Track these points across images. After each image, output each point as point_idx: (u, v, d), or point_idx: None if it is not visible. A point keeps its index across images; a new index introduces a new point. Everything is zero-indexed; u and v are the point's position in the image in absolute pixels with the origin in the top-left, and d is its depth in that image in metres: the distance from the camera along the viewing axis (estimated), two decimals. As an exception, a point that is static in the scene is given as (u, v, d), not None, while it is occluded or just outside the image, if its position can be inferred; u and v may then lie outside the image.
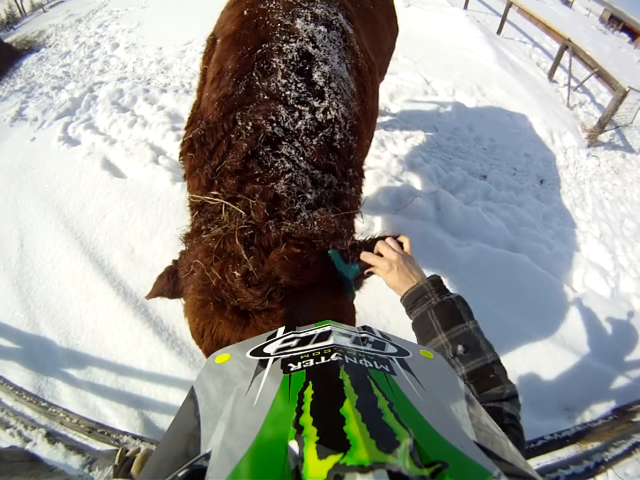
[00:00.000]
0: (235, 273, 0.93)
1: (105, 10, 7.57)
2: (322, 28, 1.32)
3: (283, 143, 1.13)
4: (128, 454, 1.00)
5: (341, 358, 0.46)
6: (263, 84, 1.16)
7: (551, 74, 6.98)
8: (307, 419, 0.35)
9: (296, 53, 1.21)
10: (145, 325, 2.19)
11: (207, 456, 0.37)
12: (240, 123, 1.13)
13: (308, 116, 1.17)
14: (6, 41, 7.31)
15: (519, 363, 2.27)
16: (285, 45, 1.21)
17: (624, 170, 5.15)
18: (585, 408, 2.22)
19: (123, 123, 3.58)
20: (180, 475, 0.37)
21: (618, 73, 5.80)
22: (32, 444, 1.25)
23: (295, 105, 1.17)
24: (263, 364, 0.50)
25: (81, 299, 2.38)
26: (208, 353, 0.96)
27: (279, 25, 1.25)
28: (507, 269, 2.69)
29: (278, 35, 1.23)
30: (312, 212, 1.08)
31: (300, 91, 1.19)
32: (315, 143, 1.17)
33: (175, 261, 1.14)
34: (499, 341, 2.39)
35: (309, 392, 0.40)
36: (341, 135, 1.23)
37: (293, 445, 0.32)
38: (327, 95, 1.22)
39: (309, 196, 1.11)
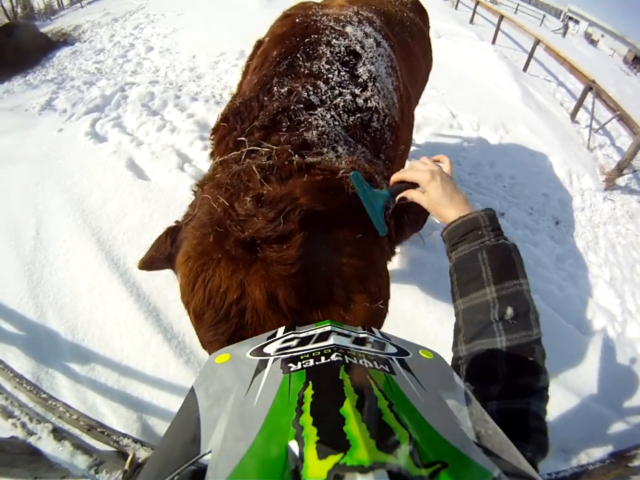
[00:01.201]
0: (247, 198, 0.81)
1: (142, 12, 7.78)
2: (371, 41, 1.35)
3: (319, 109, 1.08)
4: (140, 460, 0.97)
5: (341, 358, 0.46)
6: (306, 64, 1.15)
7: (573, 114, 7.02)
8: (306, 419, 0.35)
9: (344, 49, 1.22)
10: (155, 330, 2.18)
11: (207, 456, 0.37)
12: (275, 89, 1.10)
13: (348, 97, 1.14)
14: (42, 30, 7.49)
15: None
16: (334, 40, 1.23)
17: (638, 215, 5.13)
18: (582, 450, 2.20)
19: (151, 126, 3.64)
20: (180, 475, 0.37)
21: (639, 116, 5.80)
22: (36, 437, 1.21)
23: (336, 86, 1.14)
24: (263, 364, 0.50)
25: (92, 295, 2.38)
26: (197, 315, 0.79)
27: (329, 28, 1.28)
28: (518, 309, 2.67)
29: (328, 33, 1.24)
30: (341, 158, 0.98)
31: (342, 77, 1.17)
32: (351, 120, 1.12)
33: (177, 221, 0.99)
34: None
35: (308, 392, 0.40)
36: (377, 125, 1.19)
37: (293, 445, 0.32)
38: (369, 88, 1.21)
39: (340, 149, 1.03)
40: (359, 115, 1.14)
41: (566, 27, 17.62)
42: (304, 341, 0.55)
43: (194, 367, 2.08)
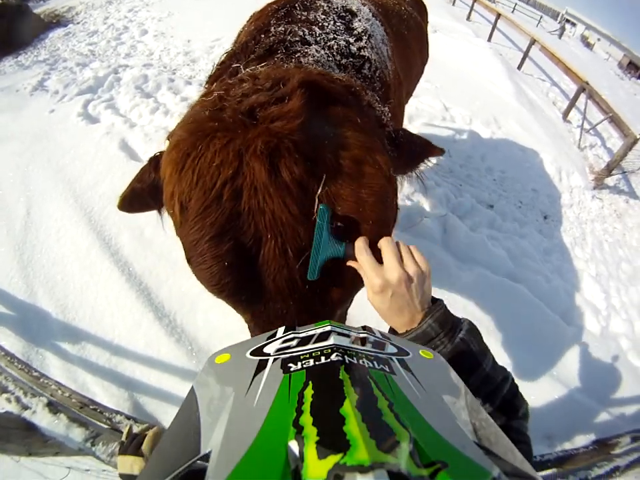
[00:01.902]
0: (244, 84, 0.74)
1: (137, -5, 7.65)
2: (367, 10, 1.39)
3: (313, 45, 1.06)
4: (137, 431, 0.96)
5: (341, 358, 0.46)
6: (303, 13, 1.15)
7: (565, 114, 7.09)
8: (306, 419, 0.35)
9: (341, 6, 1.24)
10: (146, 309, 2.19)
11: (207, 456, 0.37)
12: (272, 30, 1.09)
13: (342, 43, 1.12)
14: (35, 11, 7.33)
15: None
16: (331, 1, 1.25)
17: (626, 215, 5.22)
18: (565, 438, 2.25)
19: (145, 108, 3.61)
20: (180, 475, 0.36)
21: (631, 119, 5.89)
22: (31, 412, 1.20)
23: (331, 33, 1.13)
24: (263, 364, 0.50)
25: (83, 275, 2.37)
26: (182, 206, 0.69)
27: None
28: (505, 297, 2.74)
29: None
30: None
31: (338, 27, 1.17)
32: (344, 61, 1.09)
33: (162, 151, 0.84)
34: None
35: (308, 392, 0.40)
36: (368, 73, 1.16)
37: (293, 445, 0.32)
38: (363, 40, 1.20)
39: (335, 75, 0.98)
40: (351, 59, 1.12)
41: (563, 29, 17.73)
42: (304, 341, 0.55)
43: (185, 345, 2.09)
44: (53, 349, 2.09)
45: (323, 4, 1.22)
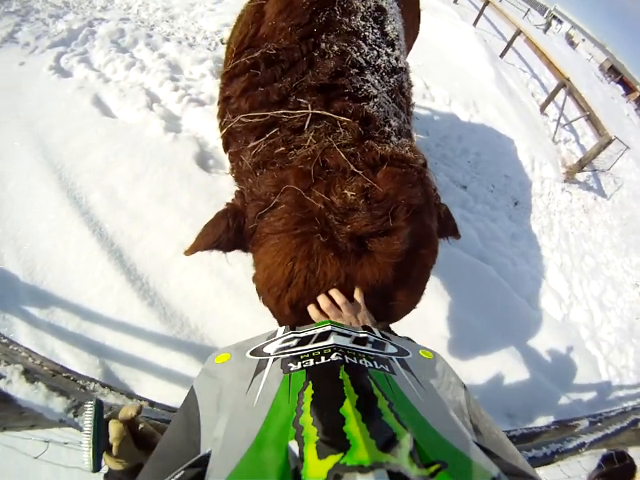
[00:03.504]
0: (347, 192, 0.82)
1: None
2: (392, 3, 1.39)
3: (366, 72, 1.10)
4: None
5: (341, 358, 0.47)
6: (344, 19, 1.15)
7: (543, 107, 7.24)
8: (306, 419, 0.35)
9: (373, 3, 1.24)
10: (118, 272, 2.11)
11: (207, 456, 0.37)
12: (323, 45, 1.08)
13: (385, 57, 1.19)
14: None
15: (472, 362, 2.40)
16: None
17: (593, 211, 5.45)
18: (526, 417, 2.37)
19: (120, 63, 3.42)
20: (180, 475, 0.36)
21: (605, 120, 6.07)
22: (5, 381, 1.08)
23: (373, 45, 1.17)
24: (263, 364, 0.51)
25: (52, 235, 2.24)
26: (292, 306, 0.85)
27: None
28: (475, 276, 2.84)
29: None
30: (401, 140, 1.04)
31: (376, 35, 1.21)
32: (392, 81, 1.18)
33: (231, 204, 0.98)
34: (461, 339, 2.50)
35: (308, 392, 0.40)
36: (406, 85, 1.28)
37: (293, 444, 0.33)
38: (396, 47, 1.27)
39: (393, 123, 1.07)
40: (395, 76, 1.21)
41: (549, 24, 17.87)
42: (304, 341, 0.55)
43: (158, 309, 2.05)
44: (21, 315, 1.97)
45: (359, 5, 1.20)
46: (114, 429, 0.60)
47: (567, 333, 3.06)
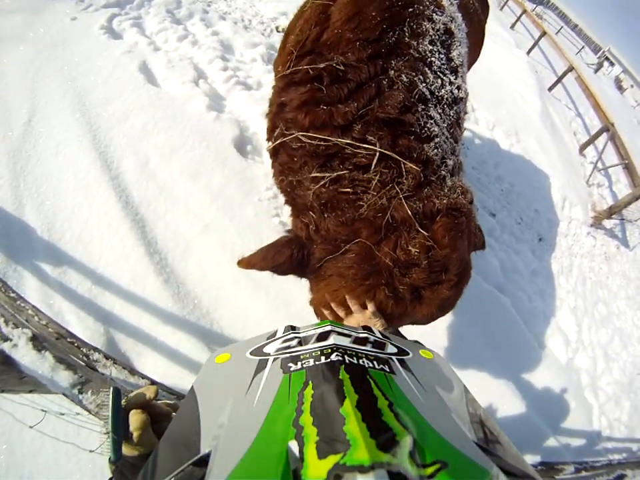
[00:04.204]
0: (411, 248, 0.92)
1: None
2: (459, 14, 1.36)
3: (430, 105, 1.10)
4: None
5: (340, 358, 0.47)
6: (413, 42, 1.12)
7: (582, 147, 7.11)
8: (306, 419, 0.35)
9: (442, 26, 1.21)
10: (138, 242, 2.09)
11: (207, 456, 0.37)
12: (391, 72, 1.06)
13: (448, 87, 1.18)
14: None
15: (472, 390, 2.34)
16: (434, 14, 1.20)
17: (614, 259, 5.34)
18: None
19: (172, 34, 3.42)
20: (180, 475, 0.36)
21: (642, 169, 5.96)
22: (11, 344, 1.05)
23: (438, 73, 1.16)
24: (263, 364, 0.51)
25: (77, 194, 2.23)
26: None
27: None
28: (490, 305, 2.81)
29: (427, 3, 1.21)
30: (453, 179, 1.08)
31: (442, 61, 1.18)
32: (452, 114, 1.18)
33: (295, 234, 1.03)
34: (464, 364, 2.48)
35: (308, 392, 0.40)
36: (463, 115, 1.28)
37: (293, 444, 0.33)
38: (459, 74, 1.26)
39: (449, 162, 1.10)
40: (455, 107, 1.21)
41: (600, 65, 17.57)
42: (304, 341, 0.56)
43: (172, 287, 2.02)
44: (32, 269, 1.95)
45: (428, 28, 1.16)
46: (136, 419, 0.58)
47: (568, 377, 3.02)
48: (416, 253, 0.91)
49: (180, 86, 2.92)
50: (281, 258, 0.99)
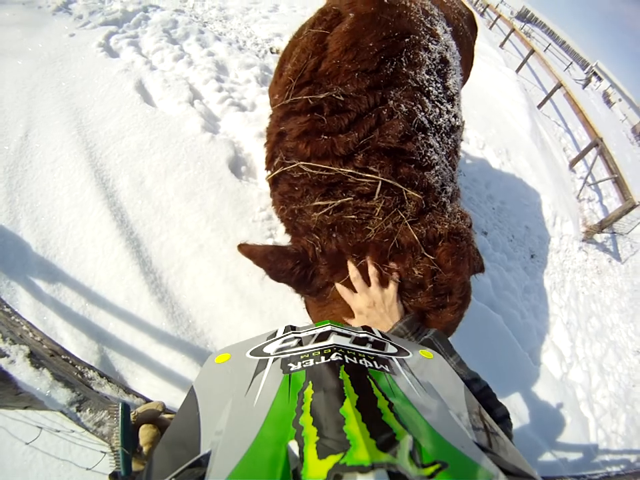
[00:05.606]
0: (416, 271, 0.96)
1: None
2: (453, 42, 1.40)
3: (429, 133, 1.12)
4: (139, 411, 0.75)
5: (340, 358, 0.46)
6: (410, 72, 1.14)
7: (572, 163, 7.23)
8: (306, 419, 0.35)
9: (438, 55, 1.25)
10: (133, 261, 2.08)
11: (207, 456, 0.37)
12: (391, 102, 1.08)
13: (445, 116, 1.20)
14: None
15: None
16: (430, 44, 1.23)
17: (606, 273, 5.40)
18: None
19: (168, 53, 3.47)
20: (180, 475, 0.36)
21: (631, 183, 6.06)
22: (8, 360, 1.03)
23: (436, 102, 1.18)
24: (263, 364, 0.51)
25: (72, 212, 2.22)
26: None
27: (422, 24, 1.27)
28: (483, 323, 2.82)
29: (423, 33, 1.24)
30: (452, 205, 1.11)
31: (438, 90, 1.21)
32: (449, 142, 1.21)
33: (304, 250, 1.04)
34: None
35: (308, 392, 0.40)
36: (459, 143, 1.31)
37: (293, 445, 0.32)
38: (455, 102, 1.29)
39: (448, 189, 1.13)
40: (452, 135, 1.24)
41: (588, 80, 17.99)
42: (304, 341, 0.56)
43: (166, 306, 2.01)
44: (26, 285, 1.93)
45: (425, 58, 1.19)
46: (146, 433, 0.60)
47: (563, 392, 3.02)
48: (420, 276, 0.95)
49: (175, 106, 2.94)
50: (281, 266, 1.00)
